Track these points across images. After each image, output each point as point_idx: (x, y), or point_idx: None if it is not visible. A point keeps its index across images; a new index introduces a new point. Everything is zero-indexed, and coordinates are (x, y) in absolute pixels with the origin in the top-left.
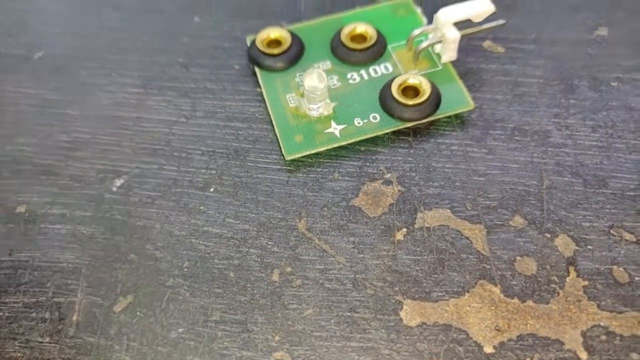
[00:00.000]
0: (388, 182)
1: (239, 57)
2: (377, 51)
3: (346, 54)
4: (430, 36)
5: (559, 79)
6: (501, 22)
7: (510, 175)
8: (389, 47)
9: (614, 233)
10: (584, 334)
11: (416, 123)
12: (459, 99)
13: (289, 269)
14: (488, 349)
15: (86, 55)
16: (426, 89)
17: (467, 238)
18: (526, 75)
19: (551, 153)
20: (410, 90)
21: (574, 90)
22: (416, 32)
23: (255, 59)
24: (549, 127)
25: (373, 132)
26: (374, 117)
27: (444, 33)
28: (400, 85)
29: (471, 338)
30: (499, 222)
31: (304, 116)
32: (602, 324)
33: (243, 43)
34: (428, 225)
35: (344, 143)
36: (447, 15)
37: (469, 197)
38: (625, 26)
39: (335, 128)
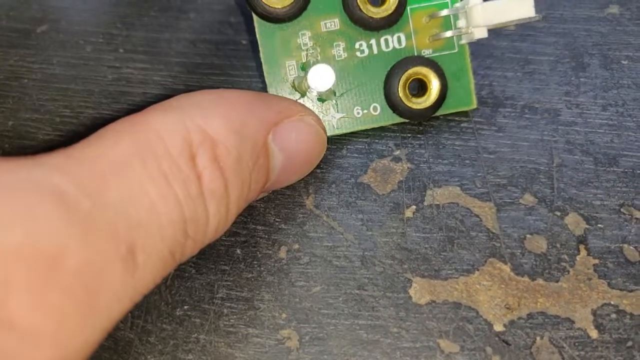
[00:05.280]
0: (397, 159)
1: (246, 32)
2: (394, 14)
3: (359, 14)
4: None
5: (570, 57)
6: (536, 17)
7: (520, 153)
8: (408, 8)
9: (625, 212)
10: (594, 312)
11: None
12: (463, 96)
13: (296, 246)
14: (498, 327)
15: (91, 30)
16: (433, 90)
17: (477, 216)
18: (537, 52)
19: (561, 131)
20: (417, 82)
21: (584, 68)
22: (443, 12)
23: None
24: (560, 105)
25: (370, 125)
26: (375, 108)
27: (473, 31)
28: (407, 80)
29: (481, 316)
30: (509, 200)
31: (304, 95)
32: (612, 302)
33: (250, 18)
34: (437, 203)
35: (339, 133)
36: (483, 16)
37: (479, 174)
38: (636, 4)
39: (333, 116)
